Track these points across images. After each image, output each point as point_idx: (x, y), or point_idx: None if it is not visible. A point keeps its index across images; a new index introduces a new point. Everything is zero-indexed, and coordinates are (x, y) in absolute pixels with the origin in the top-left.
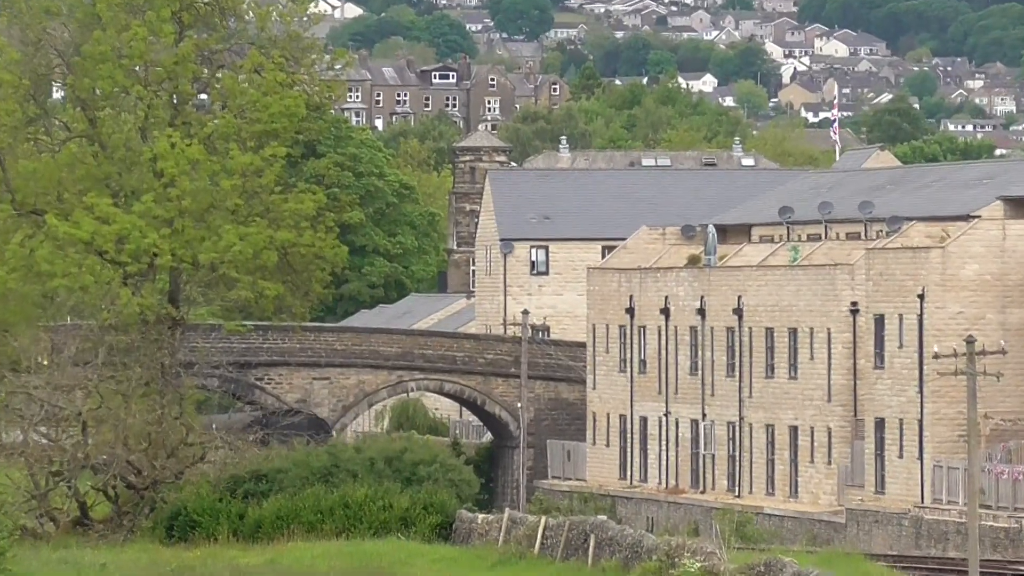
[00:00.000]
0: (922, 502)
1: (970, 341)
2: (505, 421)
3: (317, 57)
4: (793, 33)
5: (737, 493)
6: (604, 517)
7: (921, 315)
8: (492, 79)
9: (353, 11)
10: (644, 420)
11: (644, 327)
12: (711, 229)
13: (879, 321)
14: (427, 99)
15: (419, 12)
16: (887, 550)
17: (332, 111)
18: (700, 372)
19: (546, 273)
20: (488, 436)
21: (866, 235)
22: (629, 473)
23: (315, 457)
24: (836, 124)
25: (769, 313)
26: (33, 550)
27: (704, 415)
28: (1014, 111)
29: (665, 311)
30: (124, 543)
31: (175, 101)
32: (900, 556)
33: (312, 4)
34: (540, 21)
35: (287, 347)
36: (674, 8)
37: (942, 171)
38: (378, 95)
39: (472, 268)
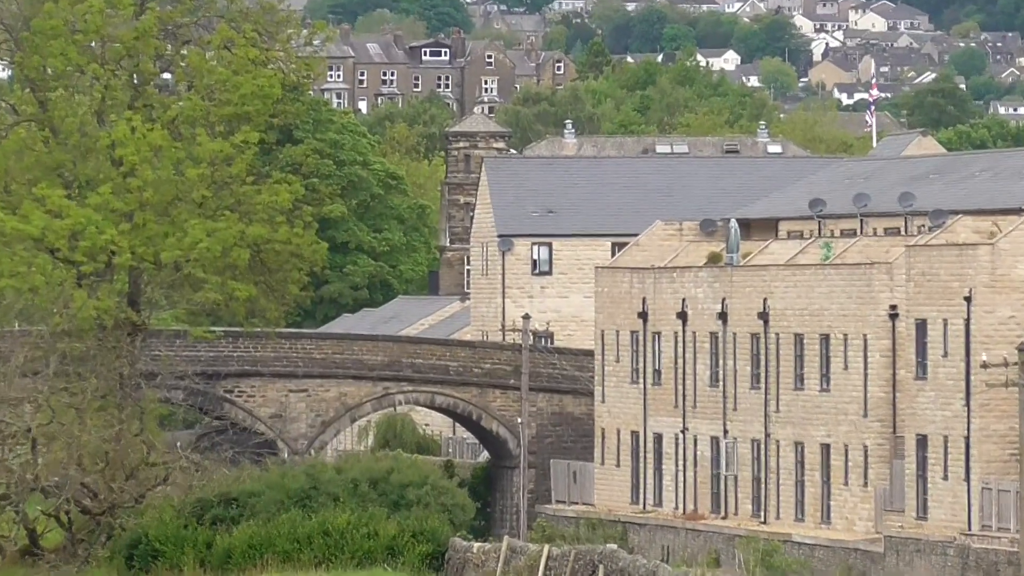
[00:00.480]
0: (969, 529)
1: (1023, 349)
2: (504, 438)
3: (294, 32)
4: (825, 5)
5: (763, 519)
6: (614, 546)
7: (968, 320)
8: (489, 56)
9: None
10: (659, 437)
11: (659, 333)
12: (733, 224)
13: (921, 327)
14: (416, 79)
15: None
16: None
17: (310, 92)
18: (721, 384)
19: (549, 273)
20: (485, 455)
21: (906, 230)
22: (642, 496)
23: (291, 479)
24: (873, 107)
25: (798, 318)
26: None
27: (726, 432)
28: None
29: (682, 315)
30: (78, 575)
31: (135, 81)
32: None
33: None
34: None
35: (260, 356)
36: None
37: (991, 159)
38: (362, 74)
39: (467, 267)
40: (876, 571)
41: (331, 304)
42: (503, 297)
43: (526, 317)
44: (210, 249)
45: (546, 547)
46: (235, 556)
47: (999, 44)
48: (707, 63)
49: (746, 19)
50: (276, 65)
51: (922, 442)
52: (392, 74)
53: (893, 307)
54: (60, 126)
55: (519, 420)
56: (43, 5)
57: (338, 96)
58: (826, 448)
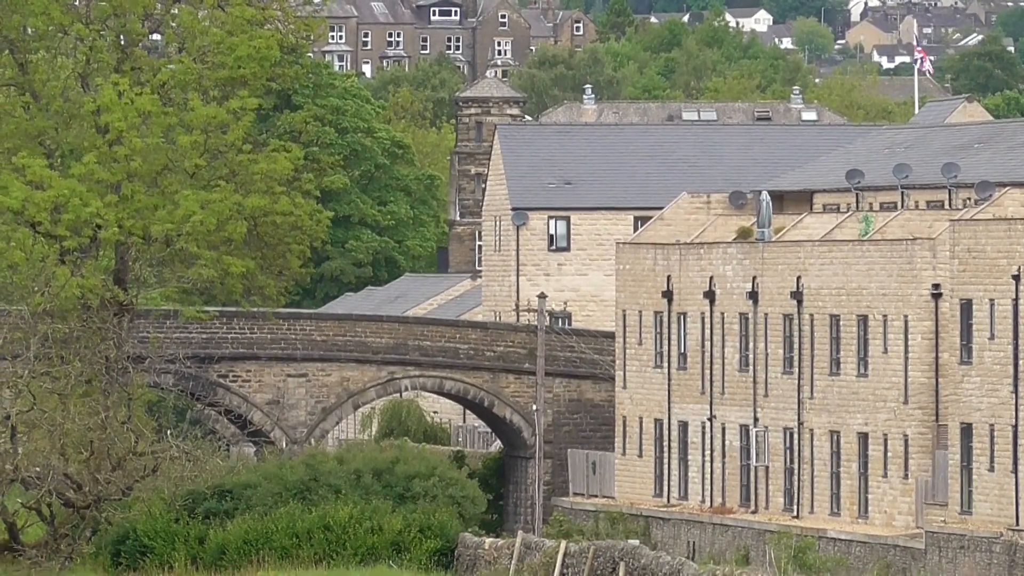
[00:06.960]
0: (1017, 524)
1: None
2: (517, 426)
3: None
4: None
5: (795, 513)
6: (636, 542)
7: (1016, 300)
8: (503, 16)
9: None
10: (684, 426)
11: (684, 314)
12: (765, 196)
13: (966, 307)
14: (424, 40)
15: None
16: None
17: (310, 54)
18: (751, 368)
19: (567, 249)
20: (497, 444)
21: (951, 203)
22: (666, 489)
23: (290, 470)
24: (921, 62)
25: (834, 297)
26: None
27: (756, 420)
28: None
29: (710, 295)
30: (61, 572)
31: (122, 42)
32: None
33: None
34: None
35: (256, 338)
36: None
37: None
38: (365, 35)
39: (478, 243)
40: (917, 569)
41: (333, 282)
42: (517, 275)
43: (542, 296)
44: (204, 222)
45: (563, 543)
46: (229, 552)
47: None
48: (737, 23)
49: None
50: (273, 25)
51: (967, 431)
52: (398, 35)
53: (936, 286)
54: (41, 91)
55: (534, 407)
56: None
57: (340, 59)
58: (864, 437)
